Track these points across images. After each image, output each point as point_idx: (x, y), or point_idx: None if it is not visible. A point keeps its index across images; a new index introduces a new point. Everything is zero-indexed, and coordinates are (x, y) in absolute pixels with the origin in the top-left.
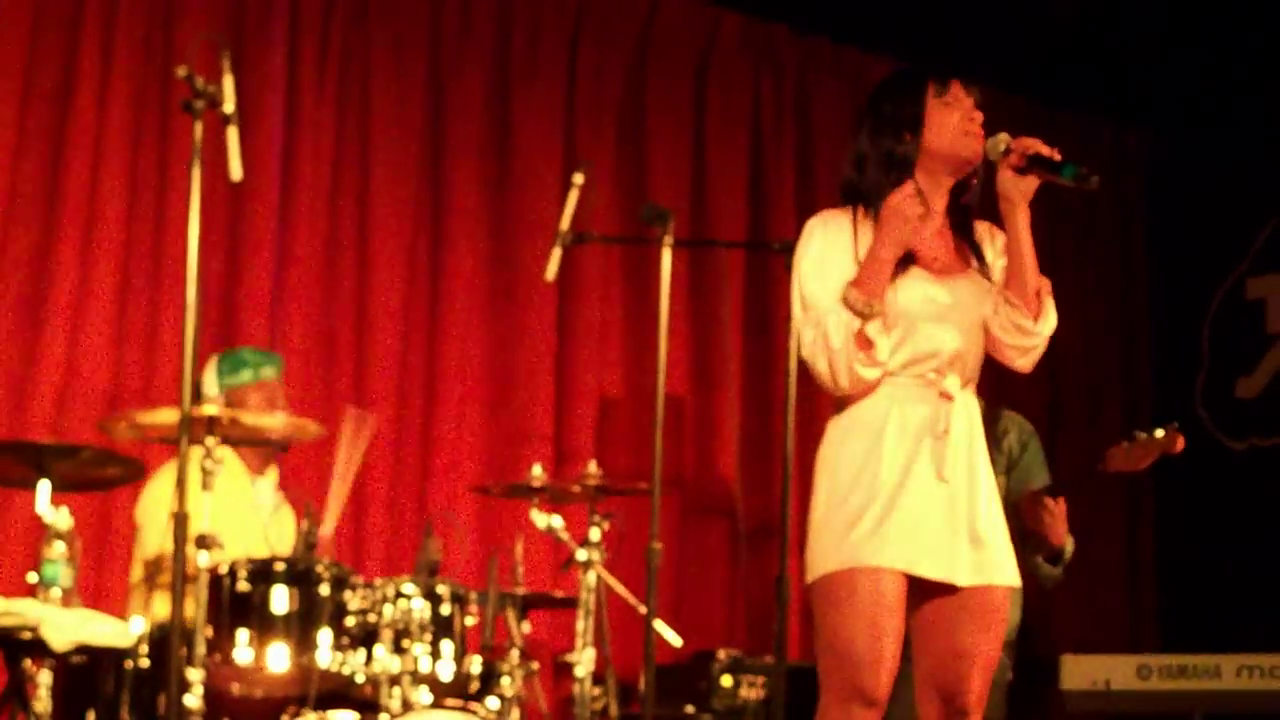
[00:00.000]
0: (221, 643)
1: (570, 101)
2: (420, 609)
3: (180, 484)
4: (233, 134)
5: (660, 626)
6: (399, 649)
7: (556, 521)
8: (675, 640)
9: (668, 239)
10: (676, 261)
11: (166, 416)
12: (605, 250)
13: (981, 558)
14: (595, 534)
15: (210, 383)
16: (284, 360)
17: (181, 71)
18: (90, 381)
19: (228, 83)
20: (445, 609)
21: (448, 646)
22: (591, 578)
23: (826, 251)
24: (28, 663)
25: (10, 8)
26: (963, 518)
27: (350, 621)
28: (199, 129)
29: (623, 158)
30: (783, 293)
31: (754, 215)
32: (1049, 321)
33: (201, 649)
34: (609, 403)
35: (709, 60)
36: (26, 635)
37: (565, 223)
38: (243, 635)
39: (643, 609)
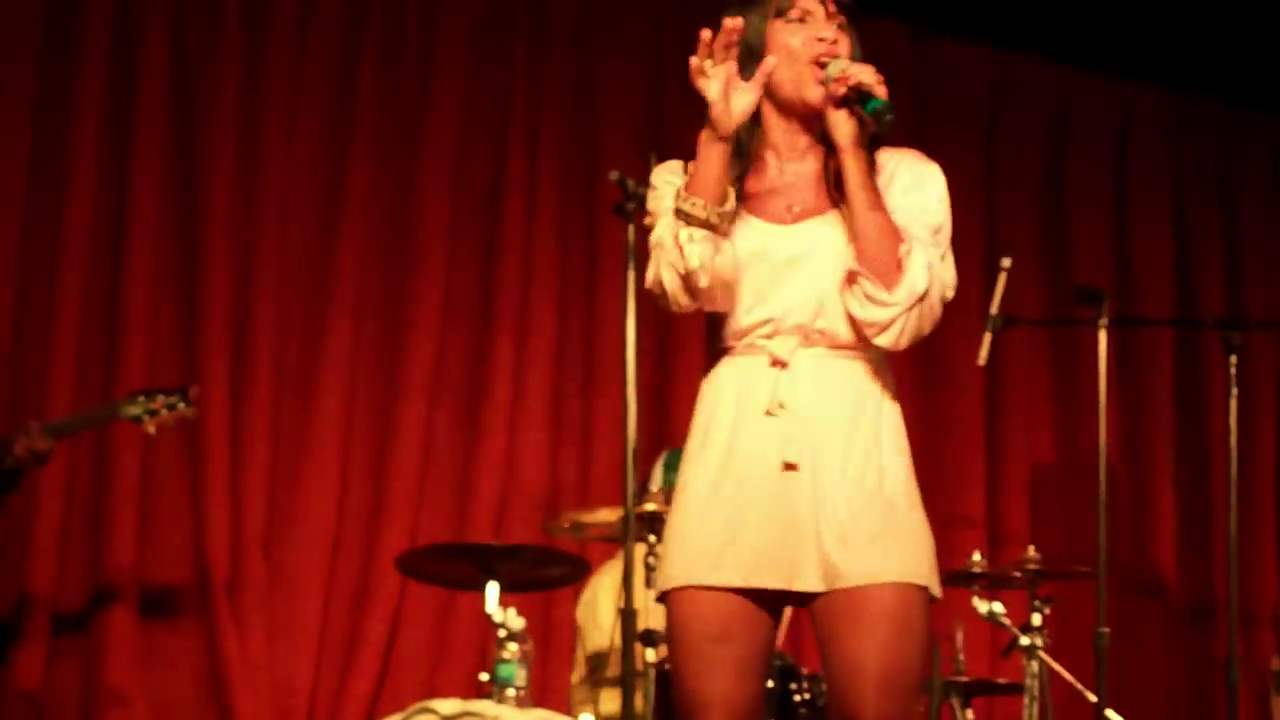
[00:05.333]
0: None
1: (989, 180)
2: None
3: (626, 580)
4: None
5: (1112, 716)
6: None
7: (998, 607)
8: None
9: (1103, 320)
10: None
11: (606, 515)
12: (1031, 332)
13: (845, 557)
14: (1037, 618)
15: (656, 478)
16: None
17: (614, 175)
18: (529, 482)
19: None
20: None
21: None
22: (1034, 664)
23: None
24: None
25: (440, 116)
26: (808, 513)
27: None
28: (631, 231)
29: (1045, 237)
30: (1216, 369)
31: (1181, 290)
32: (908, 287)
33: None
34: (1040, 485)
35: (1128, 134)
36: None
37: (995, 306)
38: None
39: (1092, 697)
